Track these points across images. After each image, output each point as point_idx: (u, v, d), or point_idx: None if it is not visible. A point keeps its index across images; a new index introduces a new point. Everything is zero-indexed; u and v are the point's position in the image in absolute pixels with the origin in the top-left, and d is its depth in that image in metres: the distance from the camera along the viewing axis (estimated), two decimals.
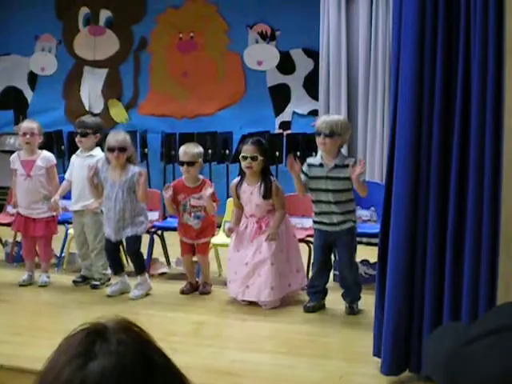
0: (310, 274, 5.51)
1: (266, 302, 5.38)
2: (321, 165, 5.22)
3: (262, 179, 5.44)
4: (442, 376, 1.14)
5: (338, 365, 4.31)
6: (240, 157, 5.43)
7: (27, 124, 6.18)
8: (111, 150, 5.61)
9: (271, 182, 5.45)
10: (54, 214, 6.09)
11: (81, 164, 6.03)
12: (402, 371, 3.85)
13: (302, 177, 5.26)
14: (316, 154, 5.47)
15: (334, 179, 5.17)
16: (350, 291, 5.29)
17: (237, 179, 5.60)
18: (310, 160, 5.39)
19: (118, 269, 5.87)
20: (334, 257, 5.63)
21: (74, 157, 6.22)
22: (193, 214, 5.74)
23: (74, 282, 6.06)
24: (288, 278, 5.48)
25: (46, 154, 6.19)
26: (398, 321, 3.76)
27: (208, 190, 5.59)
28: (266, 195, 5.39)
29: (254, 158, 5.37)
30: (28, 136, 6.04)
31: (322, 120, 5.36)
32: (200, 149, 5.80)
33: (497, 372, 1.04)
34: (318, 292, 5.36)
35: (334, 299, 5.36)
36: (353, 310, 5.26)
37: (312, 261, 5.53)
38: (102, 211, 5.91)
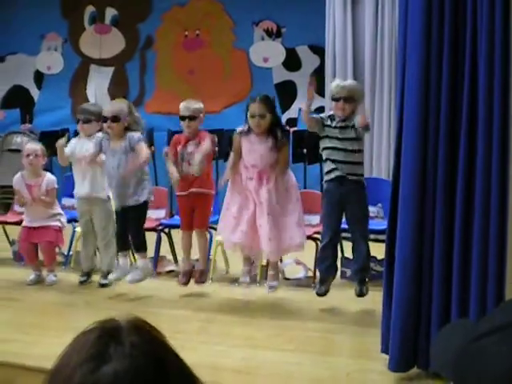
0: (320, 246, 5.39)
1: (266, 252, 5.34)
2: (331, 117, 5.15)
3: (271, 132, 5.35)
4: (451, 373, 1.14)
5: (345, 362, 4.31)
6: (248, 115, 5.33)
7: (31, 146, 6.29)
8: (105, 119, 5.63)
9: (281, 136, 5.38)
10: (60, 225, 6.15)
11: (83, 150, 6.00)
12: (410, 368, 3.84)
13: (318, 117, 5.21)
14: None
15: (343, 128, 5.08)
16: (363, 268, 5.19)
17: (243, 127, 5.42)
18: (322, 114, 5.34)
19: (123, 244, 5.79)
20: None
21: (73, 141, 6.19)
22: (191, 162, 5.60)
23: (80, 282, 6.05)
24: (288, 230, 5.34)
25: (49, 176, 6.25)
26: (405, 317, 3.75)
27: (206, 143, 5.57)
28: (277, 146, 5.30)
29: (262, 116, 5.28)
30: (31, 157, 6.11)
31: (336, 85, 5.23)
32: (200, 104, 5.79)
33: (505, 368, 1.03)
34: (329, 267, 5.25)
35: (341, 297, 5.35)
36: (362, 292, 5.16)
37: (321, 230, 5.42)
38: (109, 197, 5.92)
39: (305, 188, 8.20)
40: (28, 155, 6.14)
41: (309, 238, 5.92)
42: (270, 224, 5.26)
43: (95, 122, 5.99)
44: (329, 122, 5.15)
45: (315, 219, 6.23)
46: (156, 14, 9.68)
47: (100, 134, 5.86)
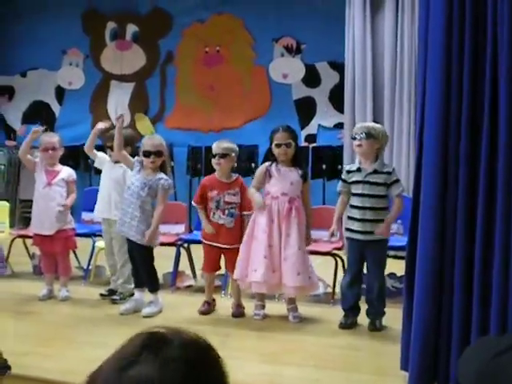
0: (341, 283, 5.40)
1: (291, 287, 5.31)
2: (358, 169, 5.21)
3: (296, 163, 5.42)
4: None
5: (365, 378, 4.28)
6: (273, 145, 5.37)
7: (48, 139, 6.12)
8: (147, 154, 5.50)
9: (304, 167, 5.50)
10: (69, 227, 6.08)
11: (109, 172, 6.04)
12: None
13: (341, 184, 5.30)
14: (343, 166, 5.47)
15: (371, 184, 5.14)
16: (374, 306, 5.24)
17: (268, 163, 5.45)
18: (347, 167, 5.44)
19: (139, 280, 5.68)
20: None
21: (105, 156, 6.15)
22: (226, 212, 5.56)
23: (101, 295, 6.05)
24: (308, 270, 5.36)
25: (68, 168, 6.21)
26: (425, 334, 3.72)
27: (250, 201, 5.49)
28: (303, 176, 5.39)
29: (287, 145, 5.35)
30: (50, 152, 6.04)
31: (358, 126, 5.47)
32: (233, 144, 5.67)
33: None
34: (352, 308, 5.27)
35: (360, 313, 5.32)
36: (375, 326, 5.18)
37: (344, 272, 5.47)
38: None
39: (324, 204, 8.20)
40: (46, 149, 6.04)
41: (328, 254, 5.92)
42: (300, 258, 5.28)
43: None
44: (353, 178, 5.21)
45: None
46: (176, 30, 9.75)
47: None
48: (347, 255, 5.39)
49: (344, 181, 5.28)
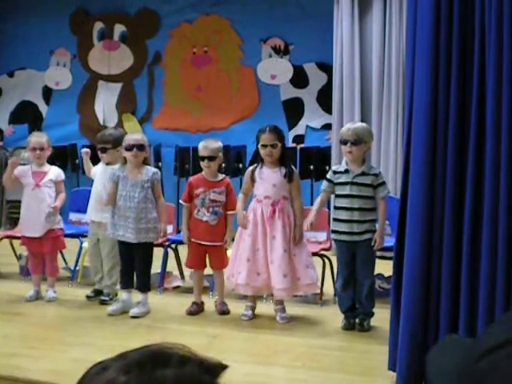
0: (335, 286, 5.43)
1: (279, 289, 5.33)
2: (346, 171, 5.22)
3: (282, 164, 5.44)
4: None
5: (353, 379, 4.29)
6: (259, 146, 5.41)
7: (36, 139, 6.10)
8: (129, 148, 5.54)
9: (291, 167, 5.50)
10: (57, 227, 6.06)
11: (101, 174, 6.01)
12: None
13: (325, 184, 5.31)
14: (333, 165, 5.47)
15: (359, 185, 5.16)
16: (363, 306, 5.25)
17: (254, 166, 5.53)
18: (334, 167, 5.46)
19: (129, 282, 5.70)
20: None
21: (97, 167, 6.16)
22: (211, 209, 5.62)
23: (87, 296, 6.03)
24: (297, 271, 5.38)
25: (56, 168, 6.18)
26: (413, 334, 3.73)
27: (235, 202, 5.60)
28: (288, 177, 5.38)
29: (273, 146, 5.37)
30: (38, 152, 6.01)
31: (346, 128, 5.35)
32: (219, 144, 5.74)
33: None
34: (351, 309, 5.27)
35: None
36: (363, 326, 5.19)
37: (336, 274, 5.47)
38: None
39: (311, 204, 8.20)
40: (34, 149, 6.02)
41: (315, 254, 5.93)
42: (285, 260, 5.30)
43: (113, 149, 5.93)
44: (340, 180, 5.23)
45: (322, 236, 6.24)
46: (164, 31, 9.73)
47: (116, 167, 5.78)
48: (337, 258, 5.38)
49: (329, 181, 5.29)
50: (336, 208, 5.28)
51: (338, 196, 5.27)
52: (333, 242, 5.60)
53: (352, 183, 5.16)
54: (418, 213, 3.70)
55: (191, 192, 5.68)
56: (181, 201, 5.85)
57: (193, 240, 5.70)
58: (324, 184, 5.35)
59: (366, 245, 5.17)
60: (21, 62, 10.26)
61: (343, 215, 5.18)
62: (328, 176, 5.33)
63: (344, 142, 5.23)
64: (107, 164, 6.00)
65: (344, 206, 5.18)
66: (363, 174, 5.17)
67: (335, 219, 5.27)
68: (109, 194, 5.63)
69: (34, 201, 6.00)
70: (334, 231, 5.30)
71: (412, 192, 3.74)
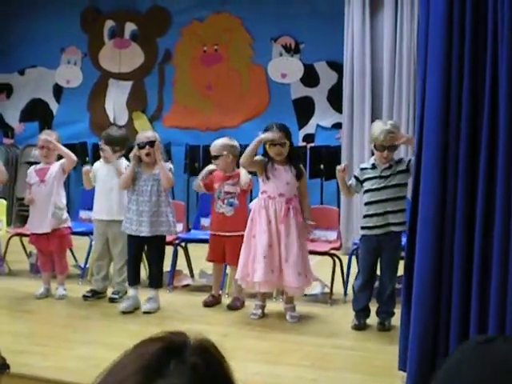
0: (353, 284, 5.40)
1: (293, 288, 5.35)
2: (373, 166, 5.18)
3: (291, 161, 5.44)
4: None
5: (362, 378, 4.27)
6: (267, 145, 5.38)
7: (45, 137, 6.13)
8: (142, 146, 5.59)
9: (300, 164, 5.53)
10: (64, 226, 6.06)
11: (106, 173, 6.00)
12: None
13: (353, 181, 5.26)
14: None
15: (387, 177, 5.12)
16: (385, 306, 5.19)
17: (265, 160, 5.44)
18: (361, 165, 5.43)
19: (137, 278, 5.73)
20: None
21: (97, 164, 6.18)
22: (226, 201, 5.77)
23: (84, 296, 5.96)
24: (306, 269, 5.38)
25: (60, 161, 6.15)
26: (424, 334, 3.71)
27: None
28: (298, 175, 5.39)
29: (282, 145, 5.36)
30: (45, 150, 6.05)
31: (381, 131, 5.10)
32: (225, 141, 5.84)
33: None
34: (364, 309, 5.23)
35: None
36: (384, 325, 5.14)
37: (357, 270, 5.39)
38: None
39: (321, 204, 8.20)
40: (42, 147, 6.07)
41: (325, 253, 5.91)
42: (300, 258, 5.30)
43: (118, 150, 5.95)
44: (369, 175, 5.19)
45: (332, 235, 6.22)
46: (175, 29, 9.73)
47: (124, 161, 5.87)
48: (361, 258, 5.30)
49: (356, 178, 5.26)
50: (367, 204, 5.20)
51: (367, 191, 5.20)
52: (359, 243, 5.40)
53: (381, 177, 5.12)
54: (429, 213, 3.68)
55: (211, 183, 5.85)
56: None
57: (212, 232, 5.87)
58: (352, 180, 5.30)
59: (394, 242, 5.10)
60: (32, 59, 10.28)
61: (375, 209, 5.11)
62: (355, 173, 5.30)
63: (382, 148, 5.10)
64: (109, 163, 6.00)
65: (375, 199, 5.13)
66: (390, 167, 5.13)
67: (366, 215, 5.19)
68: (125, 176, 5.65)
69: (39, 197, 6.02)
70: (364, 227, 5.21)
71: (423, 192, 3.72)
